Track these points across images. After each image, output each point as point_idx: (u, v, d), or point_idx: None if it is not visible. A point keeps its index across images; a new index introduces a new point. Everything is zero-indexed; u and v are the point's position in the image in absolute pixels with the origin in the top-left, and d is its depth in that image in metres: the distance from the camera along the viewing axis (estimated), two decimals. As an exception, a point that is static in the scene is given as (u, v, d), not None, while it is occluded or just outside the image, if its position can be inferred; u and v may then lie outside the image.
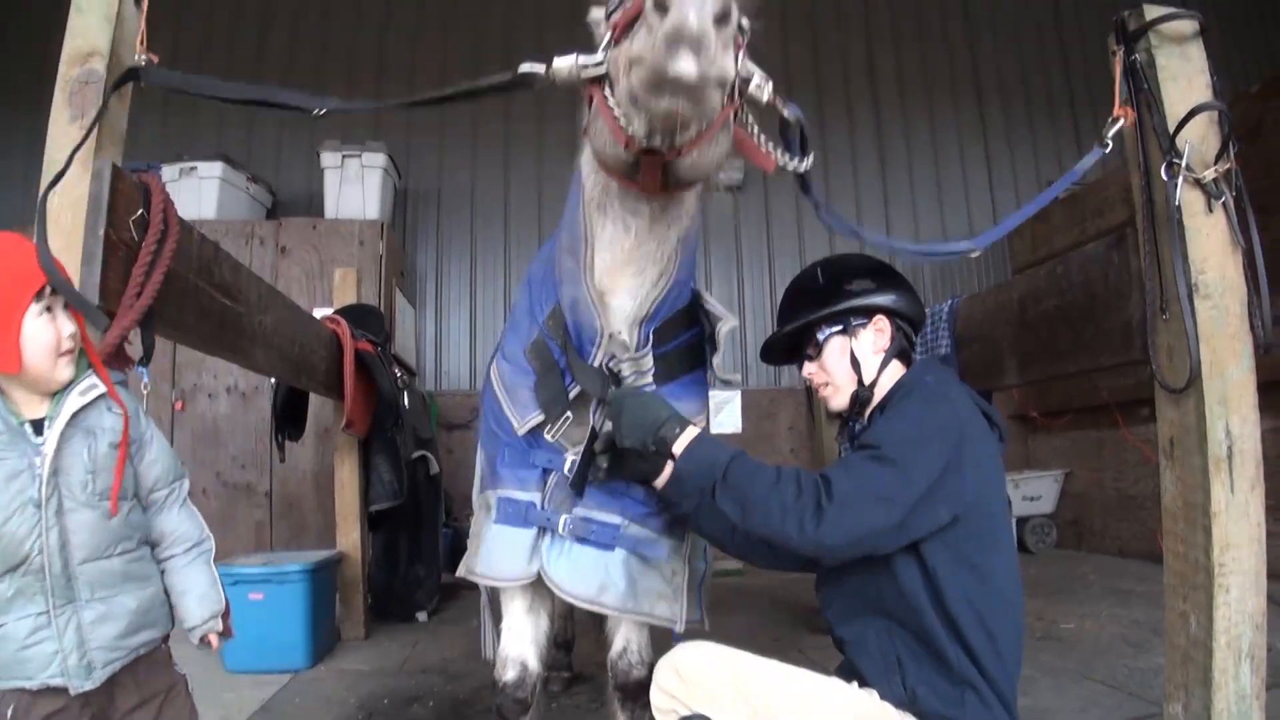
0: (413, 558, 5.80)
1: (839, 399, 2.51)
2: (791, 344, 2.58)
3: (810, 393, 8.25)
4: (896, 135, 9.70)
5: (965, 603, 2.08)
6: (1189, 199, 2.52)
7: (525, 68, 2.11)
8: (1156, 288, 2.57)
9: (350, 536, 5.25)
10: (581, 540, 2.48)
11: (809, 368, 2.56)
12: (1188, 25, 2.65)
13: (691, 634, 2.45)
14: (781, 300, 2.65)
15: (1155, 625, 4.99)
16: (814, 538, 1.97)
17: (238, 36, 8.97)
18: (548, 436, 2.51)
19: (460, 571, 2.69)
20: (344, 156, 7.46)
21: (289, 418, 5.06)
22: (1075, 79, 10.11)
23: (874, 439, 2.13)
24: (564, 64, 1.99)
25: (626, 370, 2.44)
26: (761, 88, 1.99)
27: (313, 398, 5.11)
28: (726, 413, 8.32)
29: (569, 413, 2.48)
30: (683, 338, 2.62)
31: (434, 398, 7.53)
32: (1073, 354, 3.11)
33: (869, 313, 2.47)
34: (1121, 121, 2.70)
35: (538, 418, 2.52)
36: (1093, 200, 7.72)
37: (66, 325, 1.96)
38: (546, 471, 2.55)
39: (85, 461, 1.94)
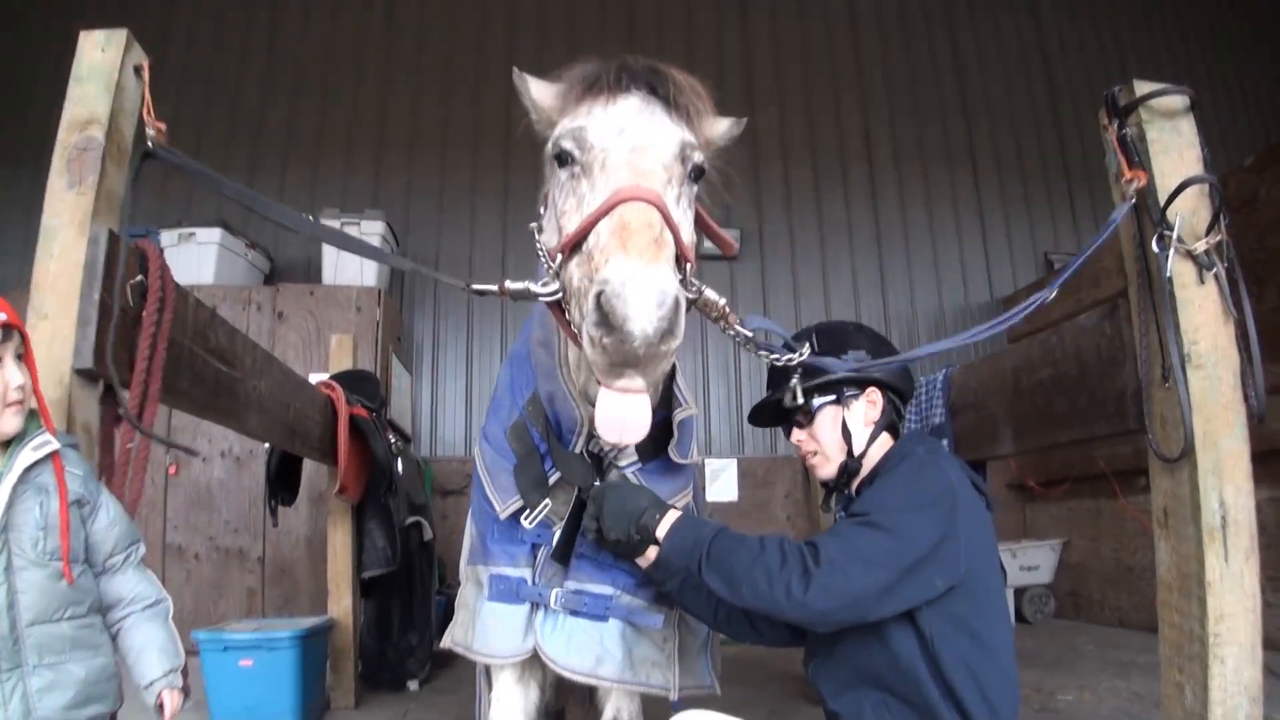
0: (405, 625, 5.72)
1: (827, 469, 2.55)
2: (781, 409, 2.61)
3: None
4: (893, 208, 9.81)
5: (965, 671, 2.07)
6: (1180, 270, 2.53)
7: (477, 286, 2.26)
8: (1153, 357, 2.58)
9: (342, 603, 5.19)
10: (575, 613, 2.47)
11: (798, 434, 2.59)
12: (1178, 100, 2.68)
13: (698, 700, 2.49)
14: (773, 365, 2.63)
15: (1156, 698, 4.88)
16: (802, 602, 1.98)
17: (240, 105, 9.10)
18: (525, 523, 2.52)
19: (447, 643, 2.69)
20: (343, 223, 7.50)
21: (283, 483, 5.02)
22: (1071, 154, 10.27)
23: (865, 507, 2.15)
24: (516, 288, 2.09)
25: (609, 452, 2.47)
26: (715, 304, 2.16)
27: (307, 463, 5.06)
28: (723, 481, 8.32)
29: (548, 499, 2.51)
30: (661, 415, 2.59)
31: (429, 464, 7.48)
32: (1067, 423, 3.11)
33: (862, 385, 2.52)
34: (1137, 183, 2.68)
35: (517, 503, 2.52)
36: (1087, 271, 7.64)
37: (15, 376, 1.94)
38: (536, 546, 2.55)
39: (37, 518, 1.91)
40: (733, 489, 8.35)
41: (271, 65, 9.26)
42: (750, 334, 2.26)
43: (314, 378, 5.27)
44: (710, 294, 2.14)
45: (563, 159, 2.10)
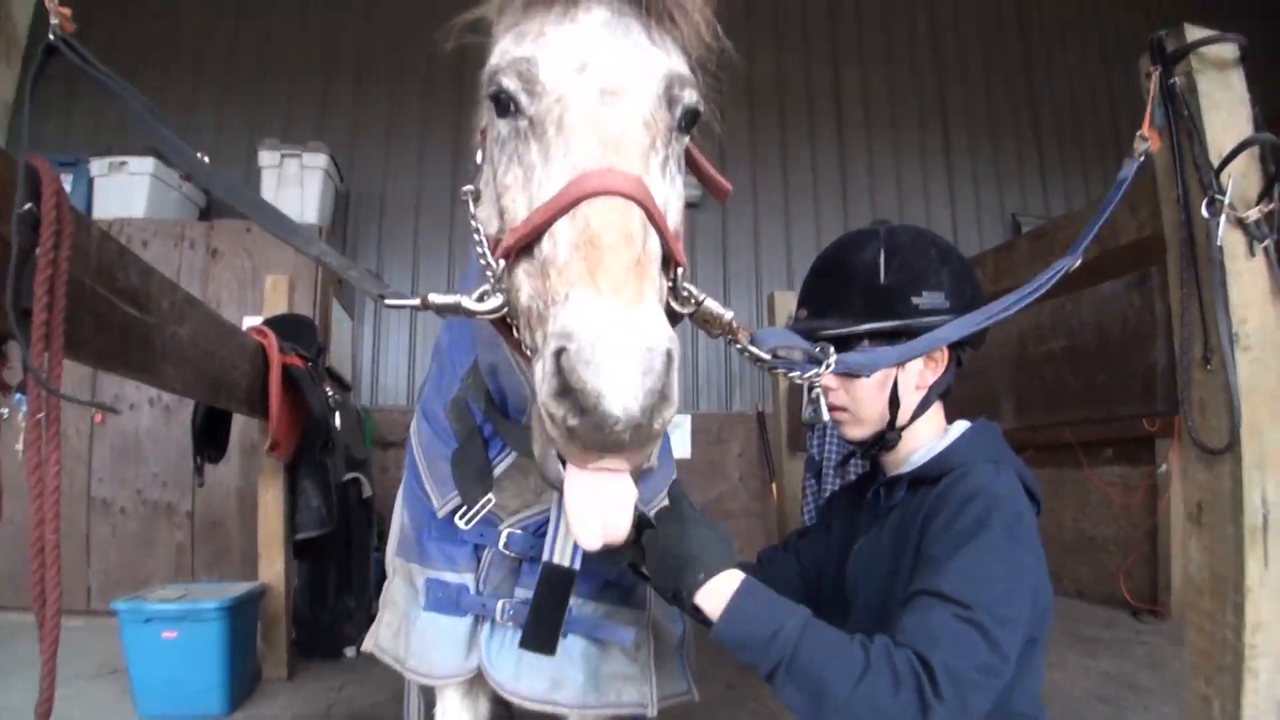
0: (342, 588, 5.39)
1: (858, 432, 2.09)
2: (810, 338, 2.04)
3: (762, 419, 8.01)
4: (859, 163, 9.52)
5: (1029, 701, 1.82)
6: (1230, 240, 2.27)
7: (392, 301, 1.61)
8: (1195, 335, 2.31)
9: (274, 567, 4.84)
10: None
11: (830, 380, 2.06)
12: (1230, 50, 2.43)
13: (674, 711, 2.13)
14: (817, 269, 2.19)
15: (1128, 679, 4.80)
16: None
17: (181, 27, 8.55)
18: (460, 523, 2.00)
19: (370, 647, 2.29)
20: (283, 156, 7.10)
21: (209, 438, 4.61)
22: (1042, 115, 10.07)
23: (955, 590, 1.66)
24: (442, 302, 1.52)
25: None
26: (718, 318, 1.62)
27: (237, 415, 4.67)
28: (676, 437, 7.97)
29: (491, 494, 1.98)
30: None
31: (370, 413, 7.15)
32: (1081, 400, 2.84)
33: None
34: (1147, 146, 2.42)
35: (455, 499, 2.03)
36: (1061, 236, 7.41)
37: None
38: (479, 548, 2.11)
39: None
40: (686, 446, 8.07)
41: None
42: (767, 355, 1.77)
43: (248, 321, 4.95)
44: (713, 306, 1.58)
45: (503, 104, 1.52)
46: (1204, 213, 2.28)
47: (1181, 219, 2.37)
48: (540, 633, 1.90)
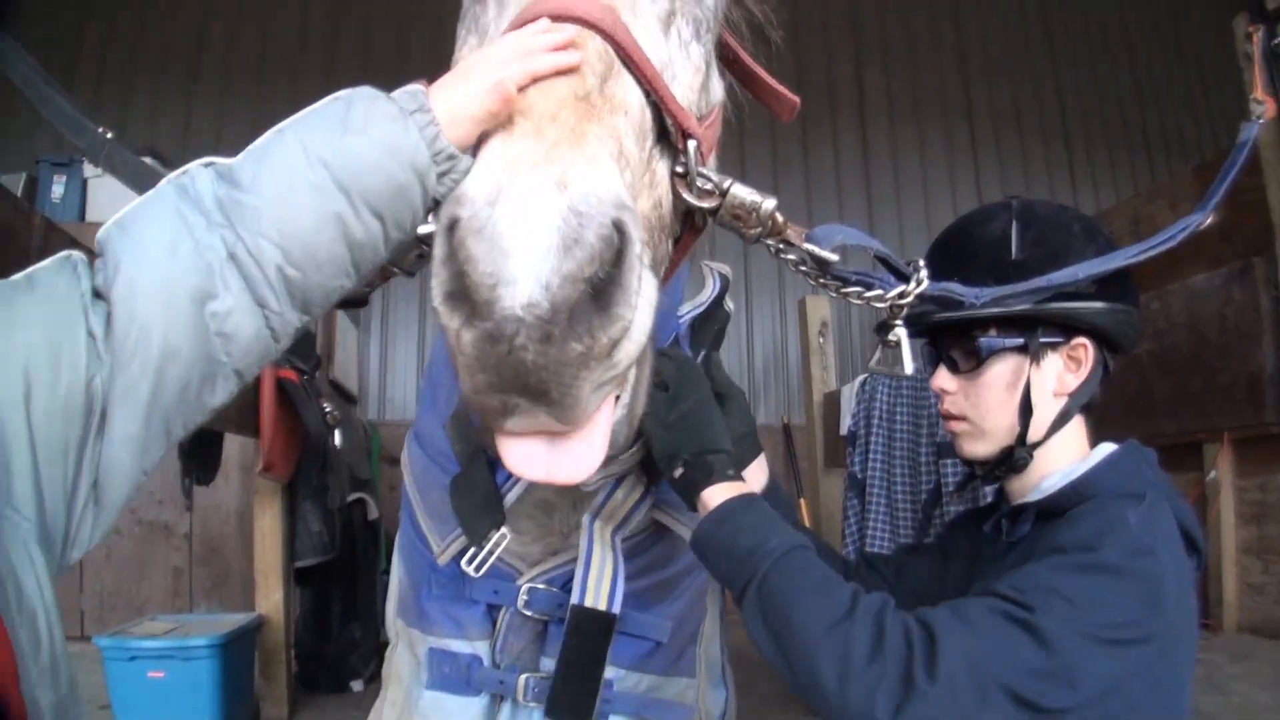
0: (347, 617, 5.10)
1: (980, 448, 1.70)
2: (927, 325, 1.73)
3: (788, 432, 7.66)
4: (884, 160, 9.19)
5: None
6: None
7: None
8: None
9: (272, 598, 4.52)
10: None
11: (946, 381, 1.73)
12: None
13: None
14: (937, 244, 1.83)
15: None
16: None
17: (178, 27, 8.23)
18: (466, 569, 1.55)
19: None
20: (286, 158, 6.79)
21: (198, 458, 4.28)
22: (1069, 108, 9.75)
23: (1020, 591, 1.33)
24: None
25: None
26: (752, 208, 1.26)
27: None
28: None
29: (505, 527, 1.53)
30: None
31: (376, 428, 6.85)
32: (1174, 409, 2.53)
33: (1070, 328, 1.66)
34: (1263, 110, 2.10)
35: (458, 540, 1.60)
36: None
37: None
38: (494, 608, 1.66)
39: None
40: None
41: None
42: (830, 256, 1.35)
43: None
44: (743, 192, 1.23)
45: None
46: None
47: (1294, 203, 2.06)
48: (572, 698, 1.49)
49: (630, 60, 1.05)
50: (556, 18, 1.03)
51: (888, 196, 9.08)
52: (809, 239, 1.33)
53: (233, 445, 4.52)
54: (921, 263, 1.47)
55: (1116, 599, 1.33)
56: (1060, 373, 1.65)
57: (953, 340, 1.70)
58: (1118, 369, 2.51)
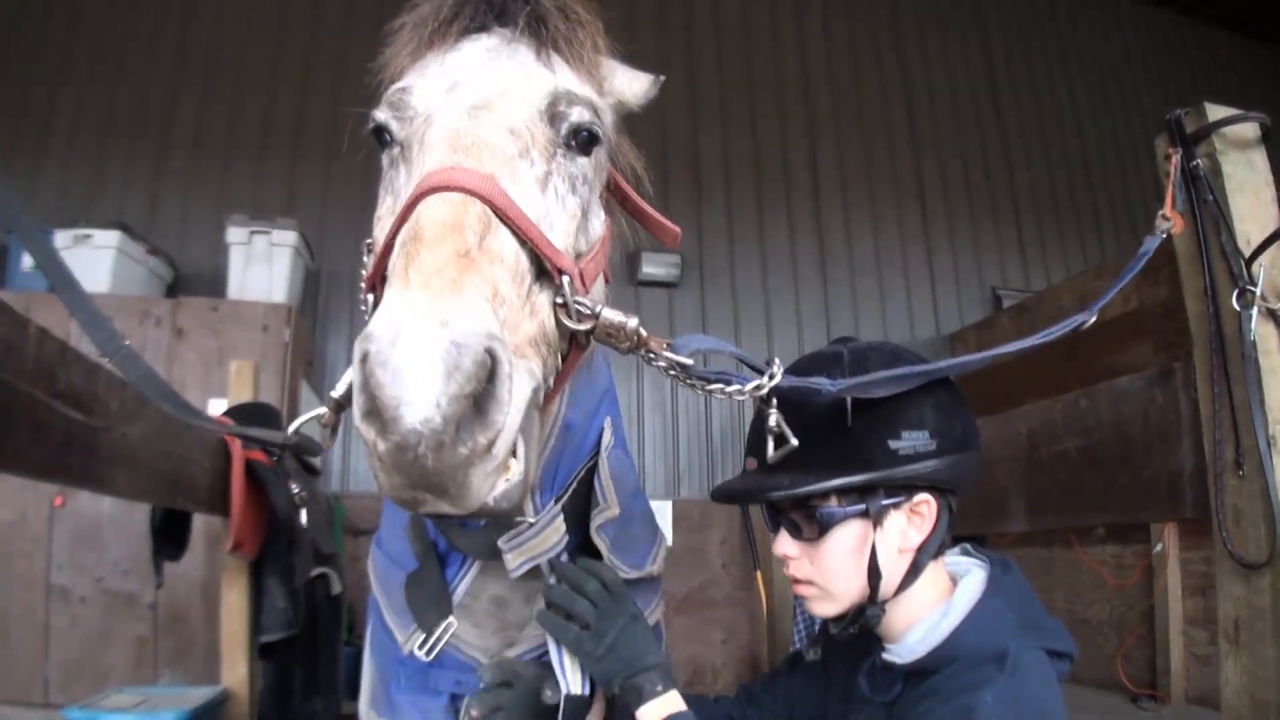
0: (308, 690, 5.07)
1: (831, 608, 1.72)
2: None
3: (746, 506, 7.73)
4: (838, 239, 9.34)
5: None
6: (1263, 334, 2.12)
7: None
8: (1226, 437, 2.15)
9: (237, 671, 4.53)
10: None
11: (787, 546, 1.72)
12: (1252, 129, 2.31)
13: None
14: (756, 427, 1.76)
15: None
16: None
17: (148, 99, 8.29)
18: (418, 653, 1.78)
19: None
20: (252, 233, 6.84)
21: (169, 536, 4.33)
22: (1019, 186, 10.02)
23: None
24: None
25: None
26: (620, 328, 1.45)
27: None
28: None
29: (451, 618, 1.78)
30: (572, 539, 1.86)
31: (340, 499, 6.87)
32: (1101, 503, 2.66)
33: (912, 486, 1.66)
34: (1169, 226, 2.28)
35: (417, 633, 1.80)
36: (1044, 310, 7.47)
37: None
38: (457, 698, 1.84)
39: None
40: (668, 534, 7.77)
41: (182, 60, 8.45)
42: (687, 360, 1.53)
43: (215, 405, 4.79)
44: (611, 315, 1.42)
45: (382, 137, 1.50)
46: (1234, 305, 2.13)
47: (1210, 311, 2.22)
48: None
49: (506, 218, 1.27)
50: (444, 188, 1.25)
51: (841, 273, 9.24)
52: (669, 348, 1.52)
53: (198, 518, 4.55)
54: (777, 361, 1.60)
55: None
56: (904, 529, 1.66)
57: (792, 505, 1.70)
58: (1048, 461, 2.68)
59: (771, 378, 1.57)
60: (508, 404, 1.12)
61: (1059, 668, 1.60)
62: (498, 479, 1.15)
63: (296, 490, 4.49)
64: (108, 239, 6.64)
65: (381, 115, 1.48)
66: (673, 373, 1.54)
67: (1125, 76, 10.92)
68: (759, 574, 6.57)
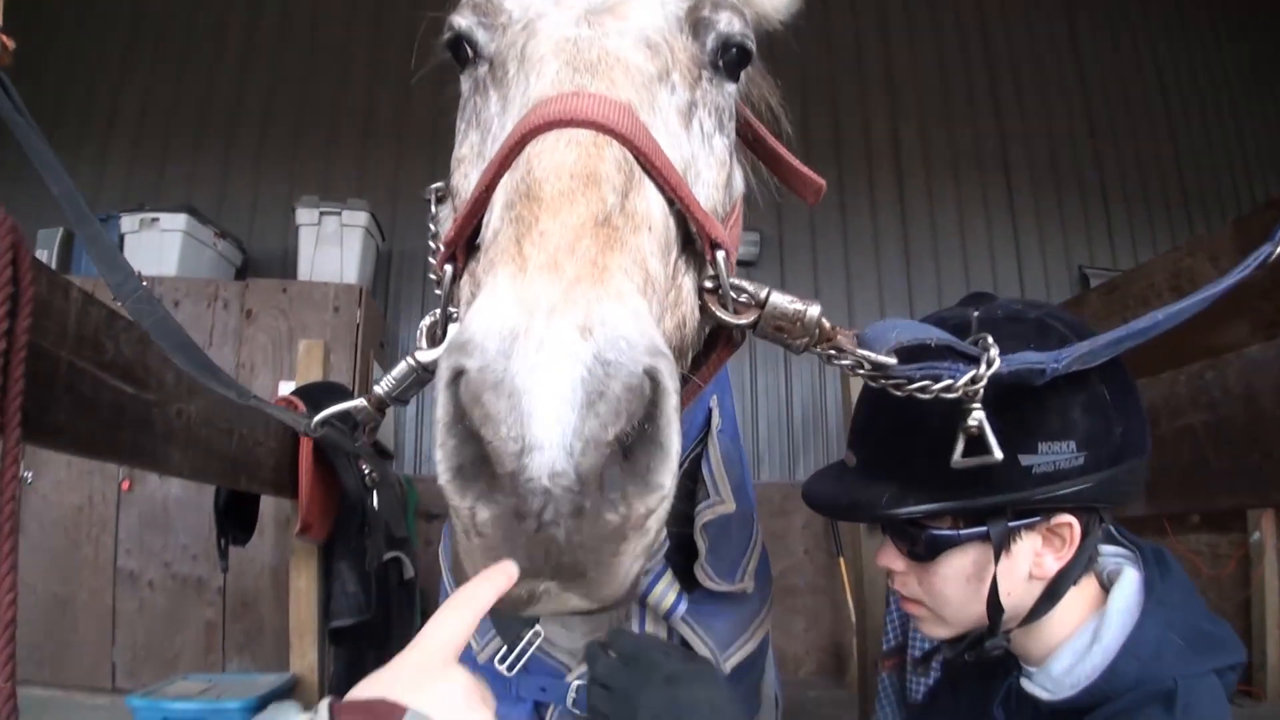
0: (380, 676, 5.00)
1: (943, 631, 1.48)
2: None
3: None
4: (921, 217, 9.09)
5: None
6: None
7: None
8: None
9: (306, 658, 4.45)
10: None
11: (893, 560, 1.48)
12: None
13: None
14: (863, 412, 1.52)
15: None
16: None
17: (215, 85, 8.32)
18: (499, 668, 1.50)
19: None
20: (321, 214, 6.81)
21: (235, 519, 4.24)
22: (1107, 165, 9.69)
23: None
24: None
25: None
26: (795, 317, 1.11)
27: (265, 492, 4.32)
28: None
29: (538, 627, 1.49)
30: (674, 532, 1.59)
31: (413, 483, 6.77)
32: (1230, 484, 2.42)
33: (1050, 508, 1.37)
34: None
35: (496, 643, 1.54)
36: (1135, 288, 7.10)
37: None
38: (541, 706, 1.60)
39: None
40: (748, 520, 7.57)
41: (249, 44, 8.44)
42: (888, 360, 1.15)
43: (284, 386, 4.72)
44: (782, 301, 1.10)
45: (461, 53, 1.18)
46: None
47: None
48: None
49: (652, 167, 0.94)
50: (567, 122, 0.91)
51: (925, 252, 8.97)
52: (862, 343, 1.17)
53: (267, 500, 4.46)
54: (990, 340, 1.21)
55: None
56: (1038, 554, 1.40)
57: (893, 526, 1.45)
58: (1171, 438, 2.43)
59: (990, 364, 1.18)
60: (675, 455, 0.80)
61: (1228, 681, 1.36)
62: (647, 560, 0.85)
63: (368, 472, 4.38)
64: (175, 222, 6.64)
65: (463, 21, 1.15)
66: (861, 371, 1.19)
67: (1214, 55, 10.46)
68: (841, 561, 6.37)
